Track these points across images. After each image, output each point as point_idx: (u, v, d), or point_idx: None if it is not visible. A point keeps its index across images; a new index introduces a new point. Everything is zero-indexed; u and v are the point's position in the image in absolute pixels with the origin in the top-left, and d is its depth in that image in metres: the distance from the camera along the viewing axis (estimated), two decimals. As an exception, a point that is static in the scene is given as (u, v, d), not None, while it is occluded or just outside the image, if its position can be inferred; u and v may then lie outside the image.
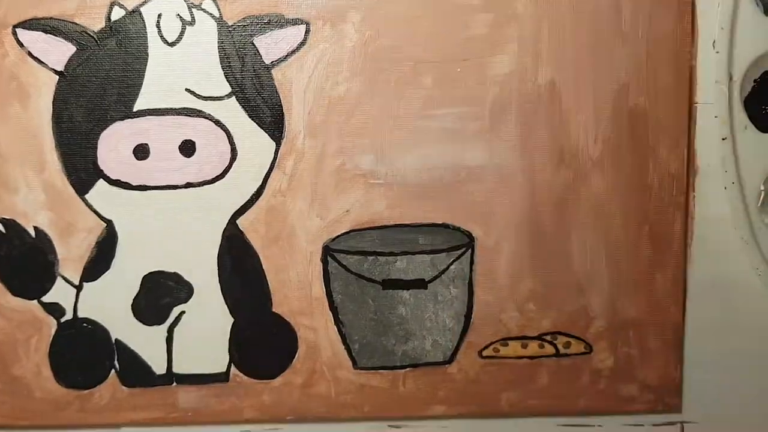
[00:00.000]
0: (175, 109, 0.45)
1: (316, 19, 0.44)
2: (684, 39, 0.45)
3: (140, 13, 0.44)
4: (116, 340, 0.47)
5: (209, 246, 0.46)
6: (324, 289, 0.47)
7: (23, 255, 0.46)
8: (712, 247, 0.47)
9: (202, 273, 0.46)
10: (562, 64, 0.45)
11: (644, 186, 0.46)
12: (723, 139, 0.45)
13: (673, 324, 0.47)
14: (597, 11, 0.45)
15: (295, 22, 0.44)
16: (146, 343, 0.47)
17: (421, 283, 0.47)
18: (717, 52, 0.45)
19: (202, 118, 0.45)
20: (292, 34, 0.45)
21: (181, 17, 0.44)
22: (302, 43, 0.45)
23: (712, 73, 0.45)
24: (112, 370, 0.47)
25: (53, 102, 0.45)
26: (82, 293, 0.46)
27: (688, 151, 0.46)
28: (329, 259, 0.47)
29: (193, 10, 0.44)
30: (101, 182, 0.45)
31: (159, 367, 0.47)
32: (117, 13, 0.44)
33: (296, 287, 0.47)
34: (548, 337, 0.47)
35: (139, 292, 0.46)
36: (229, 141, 0.45)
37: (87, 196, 0.46)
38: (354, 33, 0.45)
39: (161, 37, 0.44)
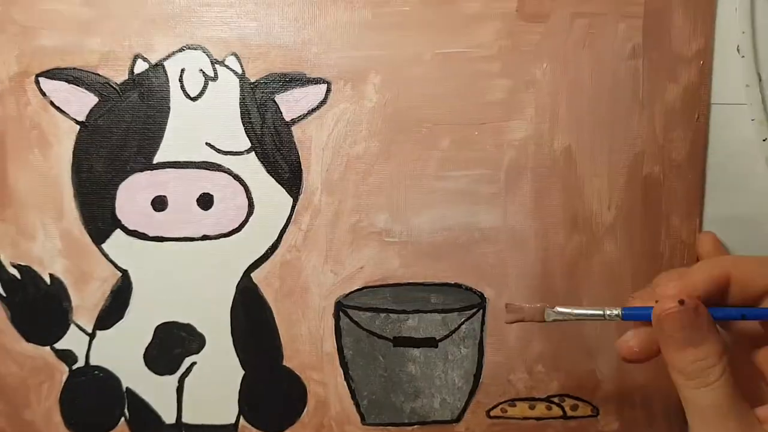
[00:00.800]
0: (195, 162, 0.45)
1: (337, 79, 0.45)
2: (700, 110, 0.46)
3: (163, 67, 0.45)
4: (127, 388, 0.47)
5: (223, 298, 0.47)
6: (335, 345, 0.47)
7: (38, 301, 0.46)
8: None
9: (215, 325, 0.47)
10: (579, 131, 0.46)
11: (656, 253, 0.47)
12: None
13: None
14: (615, 79, 0.45)
15: (317, 81, 0.45)
16: (157, 392, 0.47)
17: (431, 342, 0.47)
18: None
19: (221, 172, 0.45)
20: (313, 93, 0.45)
21: (204, 72, 0.45)
22: (323, 102, 0.45)
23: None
24: (122, 418, 0.47)
25: (74, 151, 0.45)
26: (94, 341, 0.47)
27: (700, 220, 0.47)
28: (341, 314, 0.47)
29: (216, 66, 0.45)
30: (118, 232, 0.46)
31: (168, 417, 0.47)
32: (140, 66, 0.45)
33: (308, 342, 0.47)
34: (556, 399, 0.48)
35: (151, 341, 0.47)
36: (246, 195, 0.46)
37: (104, 246, 0.46)
38: (374, 94, 0.45)
39: (183, 91, 0.45)
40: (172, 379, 0.47)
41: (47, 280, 0.46)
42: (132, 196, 0.45)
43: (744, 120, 0.46)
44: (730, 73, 0.46)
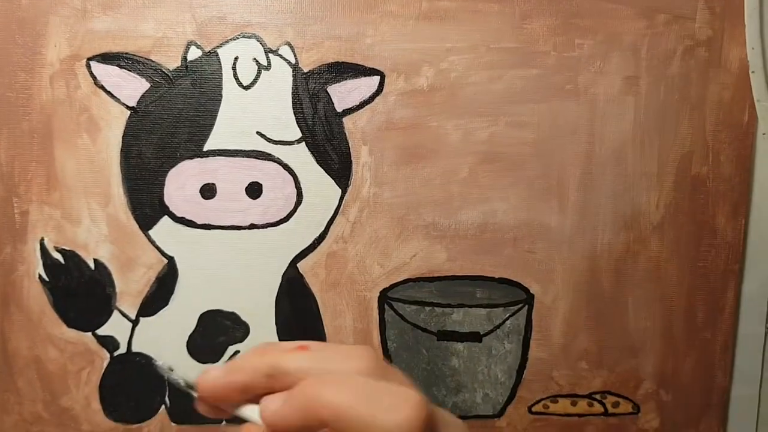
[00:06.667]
0: (245, 151, 0.45)
1: (390, 71, 0.45)
2: (749, 115, 0.46)
3: (217, 55, 0.45)
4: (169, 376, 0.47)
5: (269, 287, 0.46)
6: (379, 337, 0.47)
7: (81, 287, 0.46)
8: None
9: (260, 314, 0.47)
10: (630, 130, 0.46)
11: (701, 253, 0.47)
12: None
13: (719, 389, 0.48)
14: (667, 79, 0.46)
15: (370, 72, 0.45)
16: (199, 381, 0.47)
17: (476, 336, 0.47)
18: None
19: (271, 162, 0.45)
20: (366, 85, 0.45)
21: (257, 61, 0.45)
22: (375, 94, 0.45)
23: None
24: (162, 406, 0.47)
25: (123, 137, 0.45)
26: (137, 328, 0.46)
27: (746, 221, 0.47)
28: (386, 307, 0.47)
29: (270, 55, 0.45)
30: (166, 219, 0.46)
31: (210, 406, 0.47)
32: (193, 53, 0.44)
33: (351, 333, 0.47)
34: (598, 396, 0.48)
35: (195, 329, 0.47)
36: (295, 185, 0.46)
37: (150, 232, 0.46)
38: (427, 86, 0.45)
39: (236, 79, 0.45)
40: (215, 368, 0.47)
41: (91, 265, 0.46)
42: (181, 183, 0.45)
43: None
44: None
